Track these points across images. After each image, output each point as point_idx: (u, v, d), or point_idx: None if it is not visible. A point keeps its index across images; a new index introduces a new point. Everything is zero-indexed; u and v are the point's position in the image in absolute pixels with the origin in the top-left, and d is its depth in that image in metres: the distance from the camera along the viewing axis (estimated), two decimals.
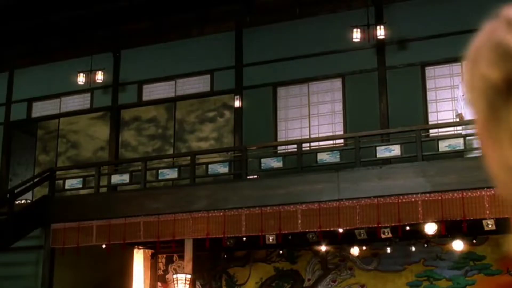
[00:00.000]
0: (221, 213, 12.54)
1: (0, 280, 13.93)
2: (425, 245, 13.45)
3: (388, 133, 13.36)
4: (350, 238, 12.89)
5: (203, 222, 12.62)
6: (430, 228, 11.56)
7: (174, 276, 13.10)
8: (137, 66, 16.61)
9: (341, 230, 12.17)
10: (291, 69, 15.16)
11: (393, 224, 11.56)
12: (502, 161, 0.84)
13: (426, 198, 11.24)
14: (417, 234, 12.54)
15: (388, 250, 13.66)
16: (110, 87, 16.87)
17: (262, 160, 13.31)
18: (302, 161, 12.77)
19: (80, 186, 14.41)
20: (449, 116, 13.74)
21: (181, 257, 14.31)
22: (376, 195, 11.56)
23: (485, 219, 11.04)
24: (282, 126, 15.25)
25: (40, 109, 17.75)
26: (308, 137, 14.69)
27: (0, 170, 17.57)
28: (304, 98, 15.19)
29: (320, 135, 14.56)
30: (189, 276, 12.62)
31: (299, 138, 14.46)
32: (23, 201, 15.21)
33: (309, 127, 14.96)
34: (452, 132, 12.91)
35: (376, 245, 13.68)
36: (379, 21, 14.29)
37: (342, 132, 14.46)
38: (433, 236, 12.31)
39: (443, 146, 12.02)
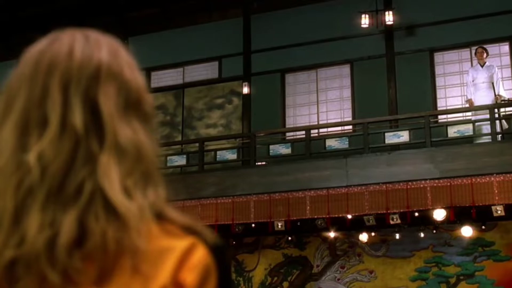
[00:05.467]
0: (230, 200, 12.56)
1: None
2: (434, 231, 13.43)
3: (396, 119, 13.33)
4: (358, 224, 12.89)
5: (211, 209, 12.65)
6: (439, 214, 11.54)
7: None
8: (145, 53, 16.58)
9: (349, 216, 12.17)
10: (299, 56, 15.11)
11: (401, 210, 11.56)
12: None
13: (435, 184, 11.23)
14: (426, 220, 12.52)
15: (397, 236, 13.65)
16: None
17: (271, 146, 13.32)
18: (311, 148, 12.77)
19: None
20: (458, 102, 13.69)
21: None
22: (385, 181, 11.55)
23: (494, 205, 11.01)
24: (290, 112, 15.23)
25: None
26: (316, 123, 14.67)
27: None
28: (313, 84, 15.16)
29: (329, 121, 14.54)
30: None
31: (308, 124, 14.45)
32: None
33: (318, 113, 14.95)
34: (461, 118, 12.88)
35: (385, 231, 13.67)
36: (387, 7, 14.23)
37: (350, 118, 14.44)
38: (442, 222, 12.29)
39: (452, 132, 12.00)
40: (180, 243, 1.01)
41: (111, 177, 0.97)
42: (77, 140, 0.98)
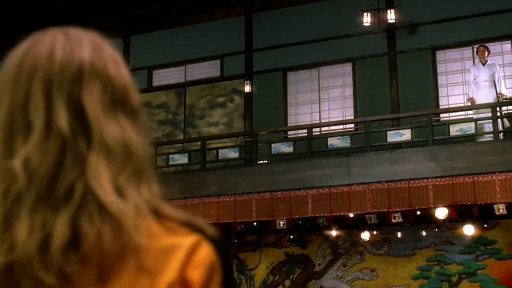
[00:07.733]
0: (232, 198, 12.56)
1: None
2: (436, 229, 13.43)
3: (398, 118, 13.32)
4: (360, 223, 12.89)
5: (213, 207, 12.65)
6: (441, 213, 11.54)
7: None
8: (147, 52, 16.60)
9: (351, 215, 12.17)
10: (301, 54, 15.11)
11: (403, 209, 11.55)
12: None
13: (437, 183, 11.22)
14: (428, 219, 12.52)
15: (399, 234, 13.65)
16: None
17: (272, 145, 13.32)
18: (312, 146, 12.77)
19: None
20: (460, 101, 13.68)
21: None
22: (387, 179, 11.55)
23: (496, 203, 11.01)
24: (292, 111, 15.23)
25: None
26: (318, 122, 14.66)
27: None
28: (314, 83, 15.15)
29: (331, 120, 14.53)
30: None
31: (309, 123, 14.44)
32: None
33: (319, 112, 14.94)
34: (463, 117, 12.87)
35: (387, 229, 13.67)
36: (389, 5, 14.21)
37: (352, 117, 14.43)
38: (444, 220, 12.29)
39: (454, 130, 11.99)
40: (185, 241, 1.01)
41: (101, 177, 0.97)
42: (64, 142, 0.97)
